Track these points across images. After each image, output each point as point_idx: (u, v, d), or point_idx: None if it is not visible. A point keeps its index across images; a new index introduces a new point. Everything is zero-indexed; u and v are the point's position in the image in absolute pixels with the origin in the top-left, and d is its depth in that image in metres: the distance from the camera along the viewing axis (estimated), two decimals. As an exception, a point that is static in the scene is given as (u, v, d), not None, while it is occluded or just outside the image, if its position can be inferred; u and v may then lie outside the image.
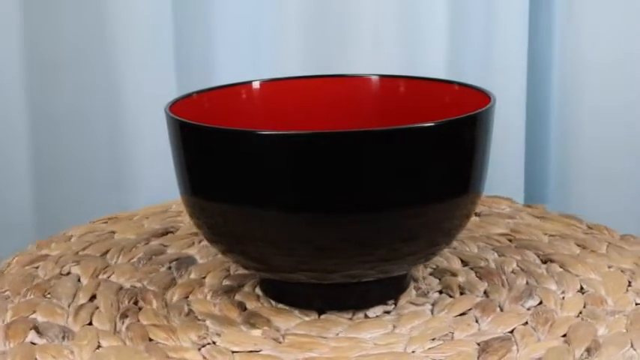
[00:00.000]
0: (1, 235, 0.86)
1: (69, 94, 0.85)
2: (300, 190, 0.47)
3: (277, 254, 0.50)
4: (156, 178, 0.86)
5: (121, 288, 0.57)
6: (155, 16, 0.84)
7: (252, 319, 0.53)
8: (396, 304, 0.55)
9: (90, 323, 0.53)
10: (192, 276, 0.59)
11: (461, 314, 0.53)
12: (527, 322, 0.52)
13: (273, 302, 0.55)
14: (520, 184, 0.91)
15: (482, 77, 0.88)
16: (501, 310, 0.54)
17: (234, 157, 0.48)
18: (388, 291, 0.55)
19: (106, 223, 0.70)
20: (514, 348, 0.49)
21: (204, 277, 0.59)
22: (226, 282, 0.58)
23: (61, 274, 0.60)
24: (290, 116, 0.61)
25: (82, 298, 0.56)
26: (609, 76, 0.89)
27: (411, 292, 0.56)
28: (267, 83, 0.62)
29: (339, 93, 0.62)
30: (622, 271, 0.58)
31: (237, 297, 0.56)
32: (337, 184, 0.47)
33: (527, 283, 0.57)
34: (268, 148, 0.47)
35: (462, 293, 0.56)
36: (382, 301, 0.54)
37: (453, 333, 0.51)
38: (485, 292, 0.56)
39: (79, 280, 0.59)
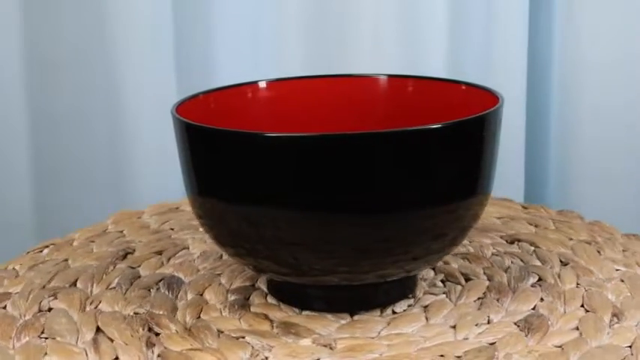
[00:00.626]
0: (1, 236, 0.86)
1: (69, 94, 0.85)
2: (307, 190, 0.47)
3: (305, 256, 0.49)
4: (156, 177, 0.86)
5: (125, 317, 0.53)
6: (155, 16, 0.83)
7: (291, 329, 0.52)
8: (414, 296, 0.55)
9: (116, 358, 0.49)
10: (191, 295, 0.56)
11: (479, 298, 0.55)
12: (542, 299, 0.54)
13: (296, 309, 0.54)
14: (520, 184, 0.91)
15: (482, 77, 0.88)
16: (513, 291, 0.56)
17: (242, 159, 0.48)
18: (408, 285, 0.56)
19: (42, 251, 0.66)
20: (549, 322, 0.51)
21: (201, 294, 0.57)
22: (233, 296, 0.56)
23: (42, 310, 0.55)
24: (296, 116, 0.61)
25: (88, 333, 0.52)
26: (609, 75, 0.89)
27: (422, 285, 0.57)
28: (274, 83, 0.62)
29: (344, 93, 0.62)
30: (587, 243, 0.62)
31: (256, 309, 0.54)
32: (345, 185, 0.47)
33: (512, 262, 0.60)
34: (277, 150, 0.47)
35: (467, 280, 0.58)
36: (404, 297, 0.55)
37: (489, 316, 0.52)
38: (486, 276, 0.58)
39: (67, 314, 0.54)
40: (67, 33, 0.83)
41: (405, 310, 0.54)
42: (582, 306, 0.54)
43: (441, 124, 0.47)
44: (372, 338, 0.51)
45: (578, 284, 0.56)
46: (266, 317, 0.53)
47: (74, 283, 0.58)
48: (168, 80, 0.86)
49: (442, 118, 0.49)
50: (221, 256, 0.61)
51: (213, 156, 0.49)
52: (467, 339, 0.50)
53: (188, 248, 0.64)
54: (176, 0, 0.85)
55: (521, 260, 0.60)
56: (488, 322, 0.52)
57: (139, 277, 0.59)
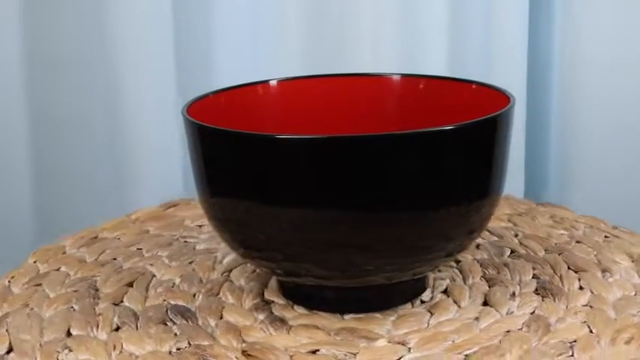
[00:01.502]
0: (1, 236, 0.86)
1: (69, 94, 0.85)
2: (320, 191, 0.47)
3: (317, 256, 0.49)
4: (156, 177, 0.86)
5: (171, 354, 0.50)
6: (155, 16, 0.84)
7: (353, 333, 0.51)
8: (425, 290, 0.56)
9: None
10: (213, 320, 0.53)
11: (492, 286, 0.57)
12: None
13: (339, 315, 0.54)
14: (520, 184, 0.91)
15: (482, 77, 0.87)
16: (519, 283, 0.57)
17: (257, 160, 0.48)
18: (421, 284, 0.56)
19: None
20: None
21: (221, 317, 0.54)
22: (258, 312, 0.54)
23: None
24: (307, 115, 0.61)
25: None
26: (609, 75, 0.89)
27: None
28: (284, 82, 0.62)
29: (354, 92, 0.62)
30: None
31: (295, 321, 0.53)
32: (358, 186, 0.47)
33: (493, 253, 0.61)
34: (291, 152, 0.47)
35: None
36: (417, 295, 0.55)
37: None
38: (480, 264, 0.59)
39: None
40: (67, 33, 0.83)
41: (427, 302, 0.55)
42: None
43: (455, 125, 0.47)
44: (427, 328, 0.51)
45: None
46: (315, 327, 0.52)
47: (68, 333, 0.52)
48: (169, 80, 0.86)
49: (453, 118, 0.49)
50: (200, 280, 0.59)
51: (227, 157, 0.49)
52: (509, 332, 0.51)
53: (155, 275, 0.60)
54: (176, 0, 0.85)
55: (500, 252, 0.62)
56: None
57: (136, 312, 0.54)
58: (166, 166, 0.87)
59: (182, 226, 0.68)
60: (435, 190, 0.48)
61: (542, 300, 0.54)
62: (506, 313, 0.53)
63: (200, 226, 0.68)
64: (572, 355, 0.48)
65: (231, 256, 0.61)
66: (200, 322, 0.53)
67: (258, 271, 0.59)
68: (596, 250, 0.61)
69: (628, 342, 0.49)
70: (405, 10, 0.87)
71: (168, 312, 0.54)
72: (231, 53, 0.87)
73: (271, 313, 0.54)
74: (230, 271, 0.60)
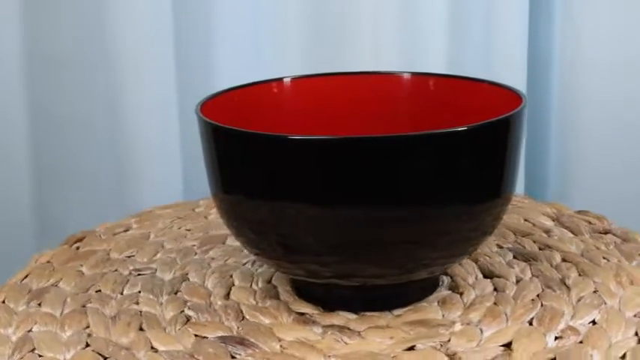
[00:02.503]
0: (1, 236, 0.86)
1: (69, 94, 0.85)
2: (335, 190, 0.48)
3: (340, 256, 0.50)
4: (156, 177, 0.86)
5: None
6: (155, 16, 0.83)
7: (426, 324, 0.52)
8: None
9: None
10: (261, 340, 0.52)
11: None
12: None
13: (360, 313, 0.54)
14: (520, 184, 0.91)
15: (482, 77, 0.88)
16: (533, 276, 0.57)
17: (270, 159, 0.49)
18: (433, 284, 0.56)
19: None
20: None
21: (266, 332, 0.53)
22: (315, 327, 0.53)
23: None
24: (318, 113, 0.62)
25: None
26: (609, 75, 0.89)
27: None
28: (296, 80, 0.62)
29: (365, 90, 0.62)
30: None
31: (355, 324, 0.53)
32: (372, 187, 0.47)
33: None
34: (305, 152, 0.48)
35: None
36: (429, 294, 0.56)
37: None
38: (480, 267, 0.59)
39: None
40: (68, 32, 0.83)
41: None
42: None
43: (469, 125, 0.48)
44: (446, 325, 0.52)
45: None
46: (379, 327, 0.52)
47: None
48: (169, 80, 0.86)
49: (464, 117, 0.50)
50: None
51: (240, 157, 0.50)
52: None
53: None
54: (176, 0, 0.85)
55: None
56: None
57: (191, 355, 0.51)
58: (166, 166, 0.87)
59: (110, 260, 0.63)
60: (448, 189, 0.48)
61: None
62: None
63: (129, 256, 0.64)
64: None
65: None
66: (251, 342, 0.51)
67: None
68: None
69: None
70: (405, 10, 0.87)
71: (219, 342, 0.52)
72: (231, 53, 0.87)
73: (299, 314, 0.54)
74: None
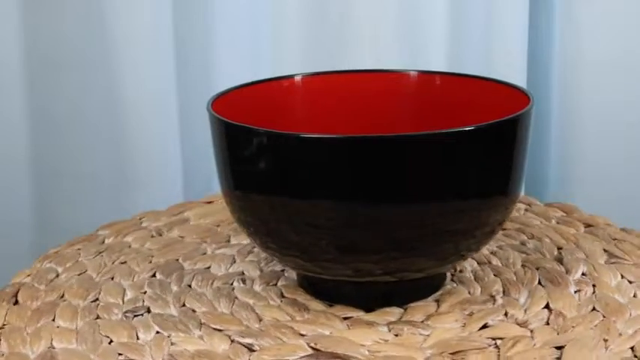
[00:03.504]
0: (1, 236, 0.86)
1: (69, 94, 0.85)
2: (344, 188, 0.49)
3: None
4: (157, 177, 0.86)
5: None
6: (155, 16, 0.83)
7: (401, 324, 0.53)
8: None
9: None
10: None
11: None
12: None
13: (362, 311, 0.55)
14: (520, 184, 0.91)
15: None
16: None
17: (281, 157, 0.49)
18: (439, 280, 0.57)
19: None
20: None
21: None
22: (377, 335, 0.52)
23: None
24: (326, 110, 0.62)
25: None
26: (609, 74, 0.89)
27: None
28: (307, 78, 0.63)
29: (373, 88, 0.63)
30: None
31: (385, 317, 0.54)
32: (380, 184, 0.48)
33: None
34: (316, 150, 0.48)
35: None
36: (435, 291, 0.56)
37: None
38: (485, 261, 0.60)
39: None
40: (68, 33, 0.83)
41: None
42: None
43: (474, 125, 0.49)
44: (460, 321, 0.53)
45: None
46: (411, 322, 0.53)
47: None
48: (169, 80, 0.86)
49: (472, 117, 0.51)
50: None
51: (252, 154, 0.50)
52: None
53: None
54: (176, 0, 0.85)
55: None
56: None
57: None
58: (166, 166, 0.87)
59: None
60: (455, 187, 0.49)
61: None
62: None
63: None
64: None
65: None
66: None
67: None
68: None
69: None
70: (405, 10, 0.87)
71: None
72: (231, 53, 0.87)
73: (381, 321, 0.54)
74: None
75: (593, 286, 0.56)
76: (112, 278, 0.60)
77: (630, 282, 0.57)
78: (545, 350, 0.49)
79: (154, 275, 0.60)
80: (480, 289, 0.56)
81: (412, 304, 0.54)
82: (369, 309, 0.54)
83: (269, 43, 0.87)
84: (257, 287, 0.58)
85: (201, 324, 0.53)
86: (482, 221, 0.51)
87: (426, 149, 0.48)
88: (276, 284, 0.58)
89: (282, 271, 0.60)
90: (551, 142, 0.93)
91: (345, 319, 0.53)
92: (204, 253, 0.64)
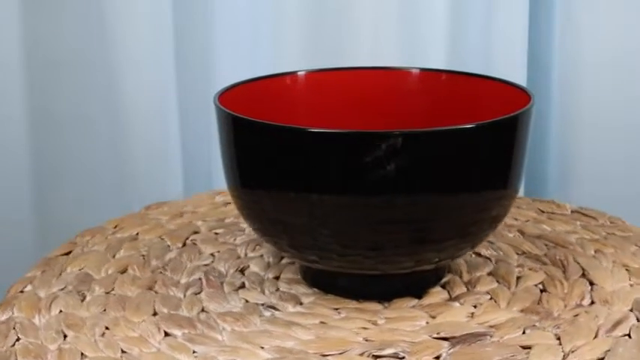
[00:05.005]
0: (1, 236, 0.86)
1: (69, 94, 0.85)
2: (348, 182, 0.49)
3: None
4: (157, 177, 0.86)
5: None
6: (155, 16, 0.84)
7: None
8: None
9: None
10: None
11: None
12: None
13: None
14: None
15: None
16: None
17: (288, 152, 0.50)
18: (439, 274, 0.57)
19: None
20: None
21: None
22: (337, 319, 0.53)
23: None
24: (329, 106, 0.63)
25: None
26: (609, 74, 0.89)
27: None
28: (311, 74, 0.63)
29: (374, 85, 0.64)
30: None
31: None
32: (386, 179, 0.48)
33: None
34: (322, 145, 0.49)
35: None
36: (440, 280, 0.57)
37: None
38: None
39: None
40: (68, 33, 0.83)
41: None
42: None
43: (475, 123, 0.49)
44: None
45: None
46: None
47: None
48: (169, 80, 0.86)
49: (473, 114, 0.52)
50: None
51: (260, 148, 0.51)
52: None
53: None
54: (176, 0, 0.85)
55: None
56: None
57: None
58: (166, 165, 0.87)
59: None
60: (458, 182, 0.50)
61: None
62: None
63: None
64: None
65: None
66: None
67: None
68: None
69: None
70: (406, 10, 0.87)
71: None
72: (231, 53, 0.87)
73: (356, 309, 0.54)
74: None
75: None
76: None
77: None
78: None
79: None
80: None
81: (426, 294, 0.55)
82: (379, 301, 0.55)
83: (269, 42, 0.87)
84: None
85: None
86: (482, 216, 0.52)
87: (428, 145, 0.49)
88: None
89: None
90: (551, 141, 0.93)
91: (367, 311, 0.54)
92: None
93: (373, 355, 0.48)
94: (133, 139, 0.86)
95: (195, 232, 0.64)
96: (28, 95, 0.85)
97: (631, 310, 0.52)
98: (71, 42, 0.84)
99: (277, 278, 0.58)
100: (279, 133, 0.50)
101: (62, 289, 0.56)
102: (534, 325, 0.51)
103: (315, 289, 0.56)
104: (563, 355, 0.48)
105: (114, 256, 0.61)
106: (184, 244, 0.63)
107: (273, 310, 0.53)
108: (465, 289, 0.56)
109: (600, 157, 0.90)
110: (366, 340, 0.50)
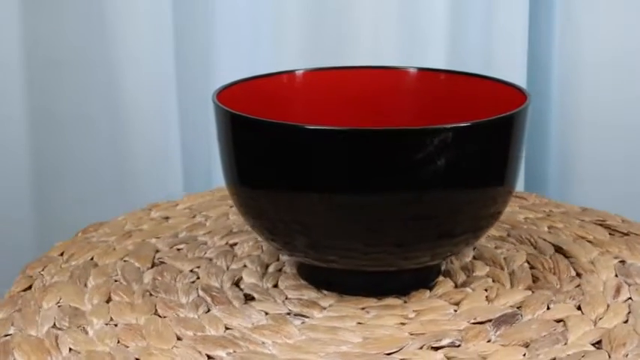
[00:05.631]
0: (1, 236, 0.86)
1: (70, 94, 0.85)
2: (348, 179, 0.49)
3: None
4: (157, 176, 0.86)
5: None
6: (155, 15, 0.84)
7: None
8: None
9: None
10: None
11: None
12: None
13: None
14: (520, 182, 0.92)
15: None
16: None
17: (286, 149, 0.50)
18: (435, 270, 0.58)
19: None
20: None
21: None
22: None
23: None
24: (326, 106, 0.63)
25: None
26: (609, 74, 0.89)
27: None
28: (308, 73, 0.63)
29: (373, 84, 0.64)
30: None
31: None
32: (382, 175, 0.49)
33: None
34: (321, 142, 0.49)
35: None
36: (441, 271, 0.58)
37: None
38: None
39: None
40: (68, 32, 0.83)
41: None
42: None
43: (471, 122, 0.49)
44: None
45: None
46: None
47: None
48: (169, 79, 0.86)
49: (470, 113, 0.52)
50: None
51: (257, 146, 0.51)
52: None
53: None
54: (176, 0, 0.85)
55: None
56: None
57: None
58: (167, 165, 0.87)
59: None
60: (455, 178, 0.50)
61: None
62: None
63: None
64: None
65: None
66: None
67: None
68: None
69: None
70: (405, 11, 0.87)
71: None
72: (231, 52, 0.87)
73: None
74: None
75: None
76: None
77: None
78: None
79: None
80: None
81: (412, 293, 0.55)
82: (377, 298, 0.55)
83: (269, 42, 0.87)
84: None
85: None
86: (479, 212, 0.52)
87: (426, 143, 0.49)
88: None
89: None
90: (551, 141, 0.93)
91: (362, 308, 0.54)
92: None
93: (432, 347, 0.49)
94: (133, 138, 0.86)
95: (157, 251, 0.62)
96: (28, 94, 0.84)
97: (616, 276, 0.56)
98: (71, 41, 0.84)
99: (276, 286, 0.57)
100: (275, 130, 0.50)
101: (55, 327, 0.52)
102: (552, 300, 0.53)
103: (325, 292, 0.56)
104: (594, 322, 0.51)
105: (85, 285, 0.57)
106: (153, 265, 0.60)
107: (302, 318, 0.53)
108: (465, 276, 0.57)
109: (600, 157, 0.90)
110: (412, 334, 0.50)
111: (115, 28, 0.83)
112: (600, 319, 0.51)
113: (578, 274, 0.57)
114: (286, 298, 0.55)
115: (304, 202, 0.50)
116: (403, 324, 0.51)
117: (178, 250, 0.62)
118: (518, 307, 0.53)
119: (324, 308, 0.54)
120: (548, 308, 0.52)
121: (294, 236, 0.52)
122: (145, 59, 0.84)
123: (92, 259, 0.61)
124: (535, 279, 0.56)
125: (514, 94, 0.56)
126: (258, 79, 0.61)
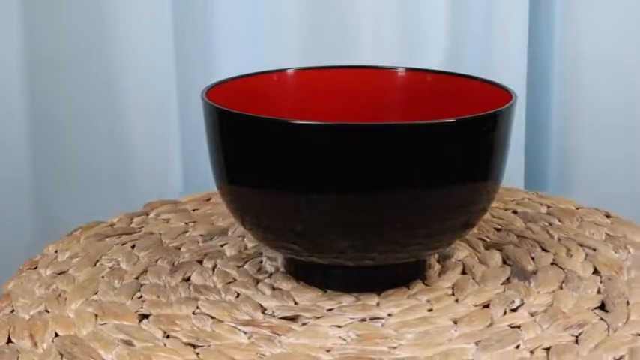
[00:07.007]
0: (1, 236, 0.86)
1: (69, 94, 0.85)
2: (336, 175, 0.50)
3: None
4: (157, 176, 0.86)
5: None
6: (155, 15, 0.84)
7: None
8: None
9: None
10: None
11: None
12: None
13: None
14: (520, 183, 0.91)
15: (482, 76, 0.88)
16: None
17: (276, 145, 0.50)
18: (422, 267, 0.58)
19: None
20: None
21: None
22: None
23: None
24: (317, 104, 0.63)
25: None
26: (609, 74, 0.89)
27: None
28: (300, 72, 0.64)
29: (362, 83, 0.64)
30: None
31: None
32: (370, 171, 0.49)
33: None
34: (312, 138, 0.49)
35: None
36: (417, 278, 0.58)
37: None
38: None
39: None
40: (68, 32, 0.83)
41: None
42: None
43: (455, 118, 0.50)
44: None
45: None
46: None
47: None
48: (169, 78, 0.86)
49: (456, 113, 0.52)
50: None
51: (246, 142, 0.51)
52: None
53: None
54: (176, 0, 0.85)
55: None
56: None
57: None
58: (166, 165, 0.87)
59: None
60: (440, 173, 0.51)
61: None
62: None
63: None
64: None
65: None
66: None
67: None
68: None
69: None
70: (405, 10, 0.87)
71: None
72: (231, 52, 0.87)
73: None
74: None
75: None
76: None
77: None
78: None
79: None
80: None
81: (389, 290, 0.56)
82: (369, 292, 0.55)
83: (269, 41, 0.87)
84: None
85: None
86: (465, 208, 0.53)
87: (414, 138, 0.49)
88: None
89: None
90: (551, 141, 0.93)
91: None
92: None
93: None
94: (133, 137, 0.86)
95: (156, 251, 0.62)
96: (28, 94, 0.85)
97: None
98: (71, 41, 0.84)
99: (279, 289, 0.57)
100: (263, 126, 0.50)
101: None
102: (561, 287, 0.55)
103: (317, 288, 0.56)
104: (610, 304, 0.54)
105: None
106: (149, 265, 0.60)
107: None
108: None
109: (600, 156, 0.90)
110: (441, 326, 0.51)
111: (114, 27, 0.83)
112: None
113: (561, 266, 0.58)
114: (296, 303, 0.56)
115: (289, 198, 0.50)
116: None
117: (156, 261, 0.61)
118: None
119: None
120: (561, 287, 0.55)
121: (280, 233, 0.52)
122: (145, 59, 0.84)
123: (86, 258, 0.61)
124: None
125: (502, 95, 0.56)
126: (248, 77, 0.61)
